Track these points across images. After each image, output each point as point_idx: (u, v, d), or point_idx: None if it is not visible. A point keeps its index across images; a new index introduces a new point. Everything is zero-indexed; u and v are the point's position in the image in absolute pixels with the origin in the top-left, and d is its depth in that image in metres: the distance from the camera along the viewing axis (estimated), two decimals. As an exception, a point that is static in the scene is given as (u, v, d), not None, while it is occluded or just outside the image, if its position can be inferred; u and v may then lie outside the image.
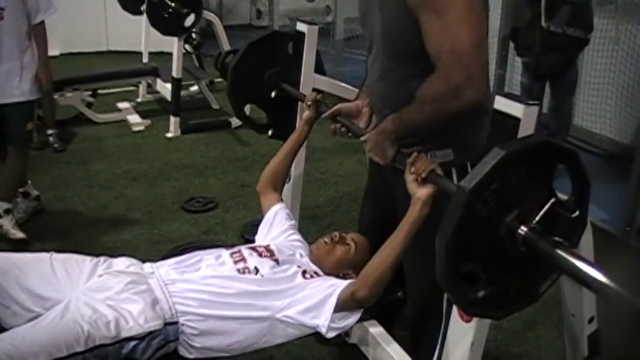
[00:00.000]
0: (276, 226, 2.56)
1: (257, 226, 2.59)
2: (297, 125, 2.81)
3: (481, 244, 1.56)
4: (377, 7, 2.07)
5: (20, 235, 3.84)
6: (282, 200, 2.67)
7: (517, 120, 1.68)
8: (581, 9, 4.65)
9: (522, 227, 1.54)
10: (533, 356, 3.02)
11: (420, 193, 1.95)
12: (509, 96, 1.73)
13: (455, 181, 2.09)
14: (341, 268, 2.36)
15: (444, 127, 2.05)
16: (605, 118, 5.49)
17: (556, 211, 1.58)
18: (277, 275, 2.21)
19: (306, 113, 2.67)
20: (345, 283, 2.15)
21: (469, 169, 2.09)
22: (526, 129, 1.68)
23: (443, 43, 1.89)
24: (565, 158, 1.59)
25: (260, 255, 2.31)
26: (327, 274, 2.33)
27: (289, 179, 2.92)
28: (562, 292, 2.27)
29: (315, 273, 2.29)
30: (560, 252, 1.48)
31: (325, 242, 2.45)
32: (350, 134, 2.43)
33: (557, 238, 1.52)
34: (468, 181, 1.48)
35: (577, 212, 1.62)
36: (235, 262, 2.25)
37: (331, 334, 2.12)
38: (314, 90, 2.76)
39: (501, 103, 1.72)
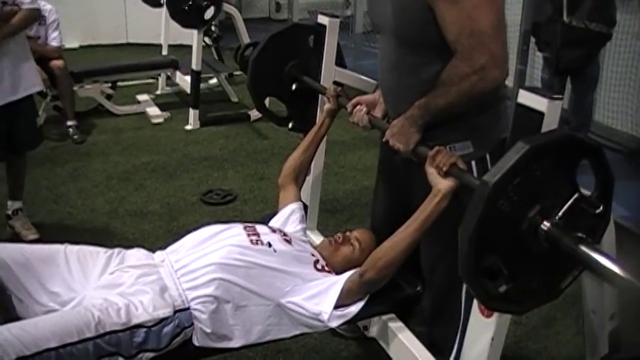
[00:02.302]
0: (291, 225, 2.57)
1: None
2: (317, 118, 2.81)
3: (503, 239, 1.55)
4: None
5: (32, 236, 3.82)
6: (300, 199, 2.68)
7: (541, 114, 1.67)
8: (603, 3, 4.60)
9: (545, 222, 1.53)
10: (552, 352, 3.00)
11: (442, 185, 1.94)
12: (534, 90, 1.72)
13: (475, 173, 2.10)
14: (347, 268, 2.33)
15: (463, 119, 2.07)
16: (626, 115, 5.44)
17: (579, 207, 1.57)
18: (290, 254, 2.23)
19: (327, 105, 2.67)
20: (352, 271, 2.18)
21: (488, 161, 2.13)
22: (550, 123, 1.67)
23: (462, 27, 1.91)
24: (589, 153, 1.58)
25: (274, 232, 2.34)
26: (333, 269, 2.34)
27: (309, 172, 2.91)
28: (582, 288, 2.26)
29: (325, 267, 2.31)
30: (583, 247, 1.47)
31: (330, 242, 2.46)
32: (372, 124, 2.42)
33: (579, 234, 1.52)
34: (492, 175, 1.48)
35: (600, 208, 1.61)
36: (249, 235, 2.27)
37: (334, 323, 2.12)
38: (334, 83, 2.75)
39: (525, 97, 1.71)
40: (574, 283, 2.36)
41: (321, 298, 2.13)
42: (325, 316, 2.10)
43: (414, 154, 2.11)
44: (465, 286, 2.19)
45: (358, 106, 2.46)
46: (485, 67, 1.92)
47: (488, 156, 2.15)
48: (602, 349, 2.31)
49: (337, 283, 2.15)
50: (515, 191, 1.50)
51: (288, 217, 2.60)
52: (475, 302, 1.91)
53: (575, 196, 1.57)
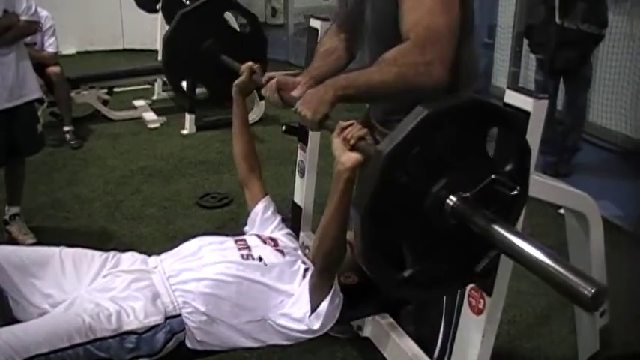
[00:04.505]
0: (267, 220, 2.56)
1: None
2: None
3: (405, 217, 1.39)
4: None
5: (30, 240, 3.83)
6: (266, 193, 2.64)
7: (527, 113, 1.68)
8: (595, 5, 4.63)
9: (452, 197, 1.38)
10: (545, 351, 3.02)
11: (344, 158, 1.82)
12: (519, 89, 1.74)
13: None
14: (340, 272, 2.27)
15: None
16: (619, 115, 5.46)
17: (491, 183, 1.42)
18: (281, 266, 2.23)
19: (239, 79, 2.58)
20: None
21: None
22: (536, 122, 1.69)
23: (420, 19, 1.87)
24: (500, 120, 1.45)
25: (265, 242, 2.34)
26: None
27: (302, 174, 2.93)
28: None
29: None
30: (495, 227, 1.32)
31: None
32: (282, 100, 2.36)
33: (489, 212, 1.36)
34: (387, 143, 1.32)
35: (517, 190, 1.45)
36: (239, 249, 2.26)
37: (316, 325, 2.09)
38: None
39: (511, 97, 1.73)
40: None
41: (299, 304, 2.12)
42: (306, 321, 2.09)
43: (320, 126, 2.02)
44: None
45: (270, 81, 2.40)
46: (433, 62, 1.84)
47: None
48: (593, 345, 2.33)
49: (307, 285, 2.15)
50: (414, 162, 1.34)
51: (263, 214, 2.57)
52: (466, 299, 1.93)
53: (487, 170, 1.42)
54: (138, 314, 2.00)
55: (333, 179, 1.88)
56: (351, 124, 1.85)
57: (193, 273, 2.15)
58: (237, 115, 2.65)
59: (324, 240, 2.01)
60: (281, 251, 2.31)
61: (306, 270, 2.26)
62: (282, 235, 2.49)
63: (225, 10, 2.84)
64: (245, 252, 2.25)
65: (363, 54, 2.28)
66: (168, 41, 2.77)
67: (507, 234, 1.30)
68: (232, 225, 4.16)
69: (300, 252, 2.41)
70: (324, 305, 2.09)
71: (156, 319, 2.02)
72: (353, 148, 1.81)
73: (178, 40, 2.77)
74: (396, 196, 1.34)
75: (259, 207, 2.58)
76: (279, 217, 2.59)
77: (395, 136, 1.32)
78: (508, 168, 1.47)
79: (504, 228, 1.31)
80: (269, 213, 2.57)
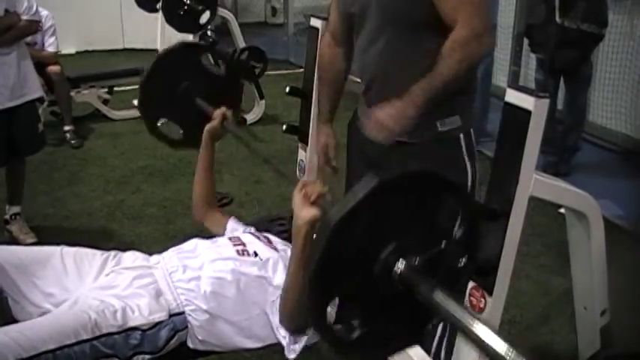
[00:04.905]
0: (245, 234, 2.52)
1: (272, 221, 2.59)
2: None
3: (353, 281, 1.40)
4: None
5: (30, 239, 3.83)
6: (229, 215, 2.65)
7: (528, 112, 1.69)
8: (595, 4, 4.63)
9: (399, 264, 1.38)
10: (546, 350, 3.02)
11: (303, 213, 1.86)
12: (520, 88, 1.74)
13: (463, 146, 2.19)
14: None
15: (451, 97, 2.09)
16: (620, 114, 5.47)
17: (440, 250, 1.44)
18: (276, 260, 2.23)
19: (210, 124, 2.64)
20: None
21: (472, 136, 2.21)
22: (537, 121, 1.69)
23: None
24: (450, 190, 1.47)
25: (259, 239, 2.35)
26: None
27: (303, 173, 2.93)
28: (573, 285, 2.28)
29: None
30: (436, 295, 1.32)
31: None
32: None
33: (433, 281, 1.36)
34: (336, 211, 1.33)
35: (464, 260, 1.48)
36: (234, 245, 2.28)
37: (292, 355, 2.06)
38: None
39: (512, 96, 1.73)
40: (567, 281, 2.40)
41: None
42: (286, 341, 2.07)
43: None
44: None
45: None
46: (482, 33, 2.01)
47: (472, 130, 2.23)
48: (594, 345, 2.33)
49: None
50: (363, 229, 1.34)
51: (238, 226, 2.58)
52: (467, 298, 1.93)
53: (437, 236, 1.44)
54: (143, 311, 2.01)
55: (292, 234, 1.91)
56: (312, 182, 1.92)
57: (193, 272, 2.16)
58: (203, 159, 2.67)
59: (290, 294, 1.98)
60: (275, 247, 2.33)
61: None
62: (273, 235, 2.49)
63: (202, 54, 2.88)
64: (240, 248, 2.27)
65: (364, 39, 2.29)
66: (144, 82, 2.81)
67: (446, 304, 1.30)
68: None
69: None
70: (302, 340, 2.06)
71: (160, 315, 2.03)
72: (313, 204, 1.85)
73: (155, 81, 2.81)
74: (344, 261, 1.35)
75: (229, 228, 2.57)
76: (248, 227, 2.57)
77: (344, 204, 1.33)
78: (458, 234, 1.48)
79: (445, 298, 1.31)
80: (241, 227, 2.57)
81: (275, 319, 2.11)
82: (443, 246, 1.43)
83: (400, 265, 1.36)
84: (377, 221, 1.35)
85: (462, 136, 2.21)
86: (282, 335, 2.07)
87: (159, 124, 2.92)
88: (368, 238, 1.36)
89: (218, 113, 2.64)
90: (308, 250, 1.83)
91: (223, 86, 2.96)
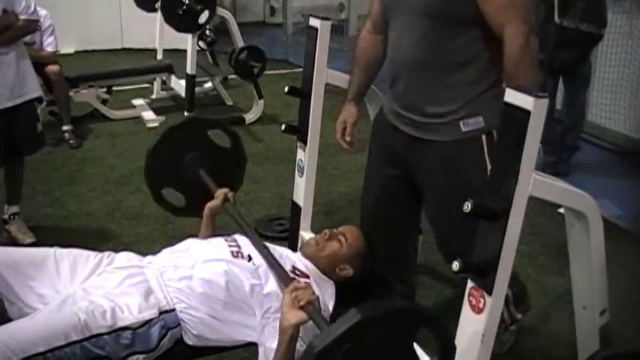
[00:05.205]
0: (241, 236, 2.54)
1: (271, 221, 2.61)
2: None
3: None
4: None
5: (29, 239, 3.83)
6: None
7: (527, 112, 1.68)
8: (594, 4, 4.63)
9: None
10: (545, 350, 3.02)
11: (290, 314, 1.93)
12: (519, 88, 1.74)
13: (485, 147, 2.26)
14: (335, 263, 2.39)
15: (478, 96, 2.23)
16: (619, 114, 5.47)
17: None
18: (268, 269, 2.23)
19: (212, 202, 2.69)
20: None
21: (495, 136, 2.22)
22: (536, 121, 1.69)
23: (508, 2, 2.10)
24: (428, 323, 1.58)
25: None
26: (323, 270, 2.36)
27: (302, 173, 2.93)
28: (572, 285, 2.27)
29: (303, 273, 2.31)
30: None
31: (316, 242, 2.47)
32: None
33: None
34: (320, 340, 1.47)
35: None
36: (229, 246, 2.29)
37: None
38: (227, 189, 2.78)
39: (511, 96, 1.73)
40: (567, 281, 2.39)
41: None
42: None
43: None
44: None
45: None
46: (529, 34, 2.11)
47: (494, 131, 2.23)
48: (593, 345, 2.33)
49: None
50: (344, 357, 1.48)
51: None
52: (466, 298, 1.93)
53: None
54: (132, 310, 2.02)
55: (279, 331, 1.97)
56: (304, 287, 2.00)
57: (184, 271, 2.17)
58: (203, 232, 2.68)
59: None
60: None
61: (294, 269, 2.30)
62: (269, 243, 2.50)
63: (210, 129, 2.95)
64: (235, 249, 2.28)
65: (399, 31, 2.36)
66: (152, 151, 2.89)
67: None
68: (232, 224, 4.15)
69: (288, 253, 2.44)
70: None
71: (150, 313, 2.04)
72: (301, 308, 1.93)
73: (162, 151, 2.89)
74: None
75: None
76: None
77: (328, 334, 1.46)
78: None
79: None
80: None
81: (262, 335, 2.11)
82: None
83: None
84: (357, 351, 1.48)
85: (484, 137, 2.26)
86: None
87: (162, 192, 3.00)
88: None
89: (220, 193, 2.69)
90: (292, 349, 1.93)
91: (229, 160, 3.04)
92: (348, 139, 2.70)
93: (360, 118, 2.72)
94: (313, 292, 2.00)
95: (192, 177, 2.87)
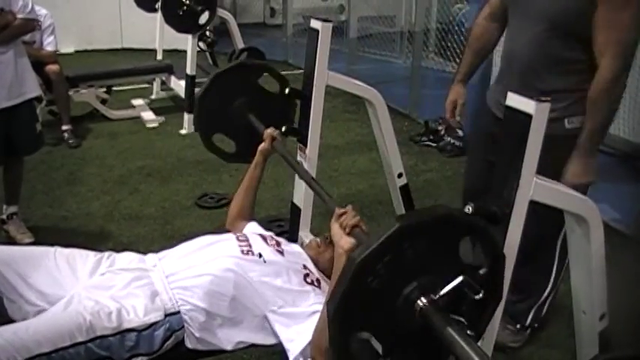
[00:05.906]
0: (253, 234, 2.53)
1: (271, 222, 2.61)
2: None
3: (377, 315, 1.49)
4: None
5: (27, 239, 3.83)
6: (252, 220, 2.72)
7: (529, 116, 1.69)
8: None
9: (422, 299, 1.47)
10: (544, 354, 3.02)
11: (342, 242, 2.00)
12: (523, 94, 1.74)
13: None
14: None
15: (584, 96, 2.34)
16: (618, 118, 5.46)
17: (461, 289, 1.51)
18: (280, 266, 2.22)
19: (262, 145, 2.76)
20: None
21: None
22: (538, 125, 1.69)
23: (616, 33, 2.22)
24: (472, 231, 1.55)
25: (266, 242, 2.34)
26: (324, 272, 2.35)
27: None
28: (573, 289, 2.27)
29: (317, 280, 2.29)
30: (450, 331, 1.41)
31: (317, 244, 2.47)
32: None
33: (456, 316, 1.46)
34: (360, 251, 1.44)
35: (481, 294, 1.53)
36: (240, 244, 2.27)
37: None
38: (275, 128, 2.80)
39: (513, 100, 1.73)
40: (566, 285, 2.39)
41: (296, 332, 2.07)
42: (291, 353, 2.05)
43: None
44: (560, 240, 2.59)
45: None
46: (621, 74, 2.27)
47: None
48: (592, 349, 2.32)
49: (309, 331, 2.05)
50: (385, 269, 1.44)
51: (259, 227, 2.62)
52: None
53: (460, 279, 1.50)
54: (138, 312, 2.01)
55: (334, 259, 2.05)
56: (345, 212, 2.05)
57: (192, 270, 2.16)
58: (252, 177, 2.77)
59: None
60: (281, 252, 2.31)
61: (307, 275, 2.26)
62: (285, 240, 2.49)
63: (260, 74, 3.01)
64: (245, 247, 2.26)
65: (517, 27, 2.52)
66: (201, 98, 2.92)
67: (459, 340, 1.39)
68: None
69: (303, 256, 2.41)
70: None
71: (156, 315, 2.03)
72: (349, 234, 2.00)
73: (211, 97, 2.92)
74: (367, 297, 1.45)
75: (249, 229, 2.62)
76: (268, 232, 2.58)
77: (368, 244, 1.42)
78: (482, 272, 1.57)
79: (458, 334, 1.40)
80: (261, 229, 2.60)
81: (276, 328, 2.10)
82: (464, 283, 1.50)
83: (423, 300, 1.46)
84: (398, 260, 1.44)
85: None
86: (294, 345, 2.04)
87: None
88: (389, 276, 1.45)
89: (267, 134, 2.75)
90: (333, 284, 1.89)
91: (278, 104, 3.06)
92: (457, 118, 2.86)
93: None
94: (356, 214, 2.04)
95: (242, 122, 2.91)
